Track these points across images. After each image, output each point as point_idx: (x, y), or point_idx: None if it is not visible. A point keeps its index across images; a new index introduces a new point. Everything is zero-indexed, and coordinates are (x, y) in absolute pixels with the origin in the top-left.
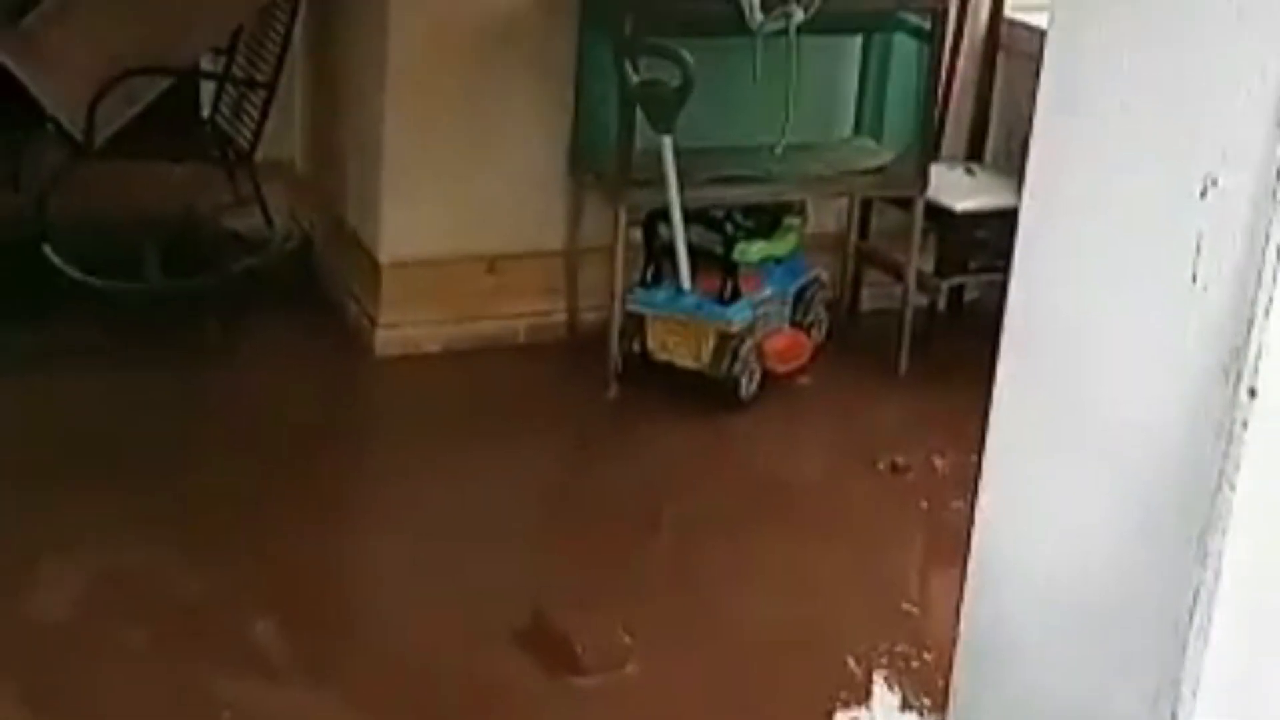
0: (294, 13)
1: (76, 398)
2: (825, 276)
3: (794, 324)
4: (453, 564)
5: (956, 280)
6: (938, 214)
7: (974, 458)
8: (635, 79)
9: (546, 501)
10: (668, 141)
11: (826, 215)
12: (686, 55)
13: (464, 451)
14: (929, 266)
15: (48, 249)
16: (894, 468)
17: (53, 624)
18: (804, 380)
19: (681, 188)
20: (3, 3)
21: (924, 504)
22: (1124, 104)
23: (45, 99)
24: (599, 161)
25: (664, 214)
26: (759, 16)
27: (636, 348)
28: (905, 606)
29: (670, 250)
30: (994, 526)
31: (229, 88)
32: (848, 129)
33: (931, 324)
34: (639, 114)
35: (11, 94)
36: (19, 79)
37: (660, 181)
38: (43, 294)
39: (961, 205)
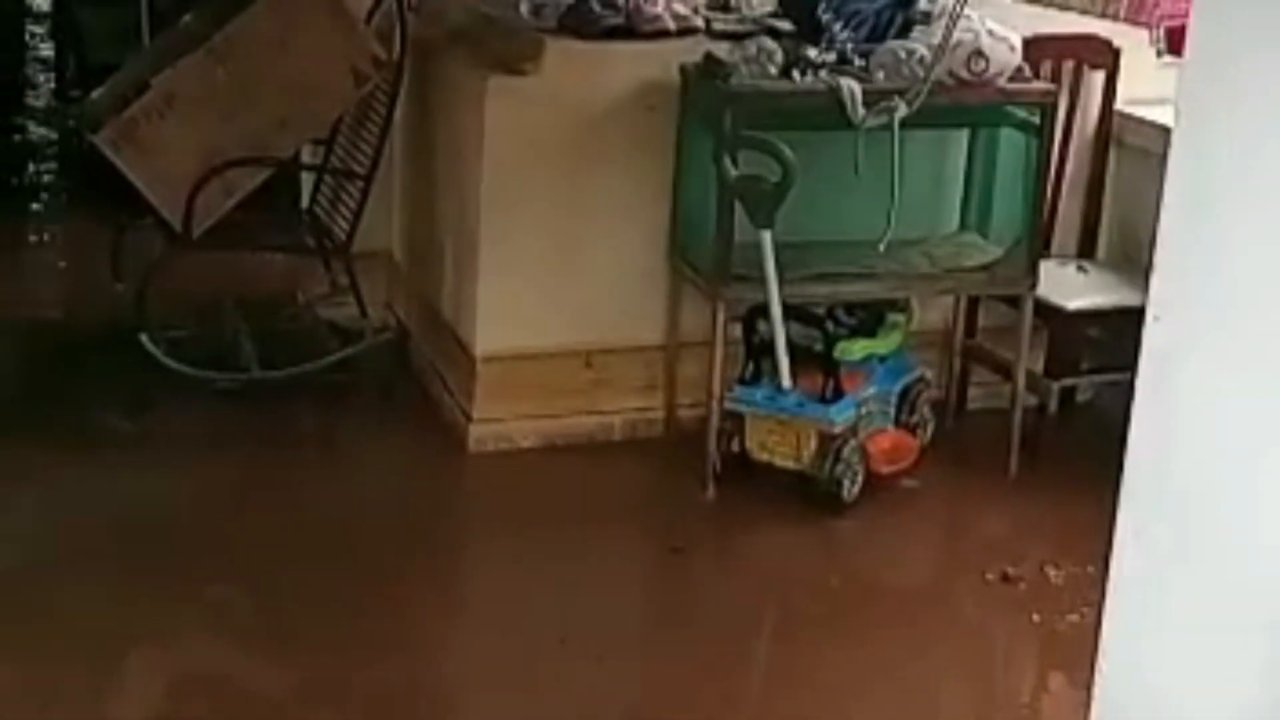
0: (392, 104)
1: (171, 488)
2: (930, 375)
3: (898, 424)
4: (548, 671)
5: (1068, 381)
6: (1048, 312)
7: (1089, 569)
8: (734, 173)
9: (644, 606)
10: (767, 236)
11: (932, 312)
12: (787, 150)
13: (558, 552)
14: (1038, 366)
15: (145, 339)
16: (1005, 578)
17: None
18: (909, 483)
19: (781, 284)
20: (108, 94)
21: (1036, 617)
22: (1262, 201)
23: (145, 189)
24: (698, 256)
25: (764, 310)
26: (861, 111)
27: (735, 447)
28: None
29: (770, 347)
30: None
31: (327, 178)
32: (953, 224)
33: (1041, 426)
34: (738, 208)
35: (113, 184)
36: (120, 169)
37: (760, 277)
38: (140, 384)
39: (1073, 304)
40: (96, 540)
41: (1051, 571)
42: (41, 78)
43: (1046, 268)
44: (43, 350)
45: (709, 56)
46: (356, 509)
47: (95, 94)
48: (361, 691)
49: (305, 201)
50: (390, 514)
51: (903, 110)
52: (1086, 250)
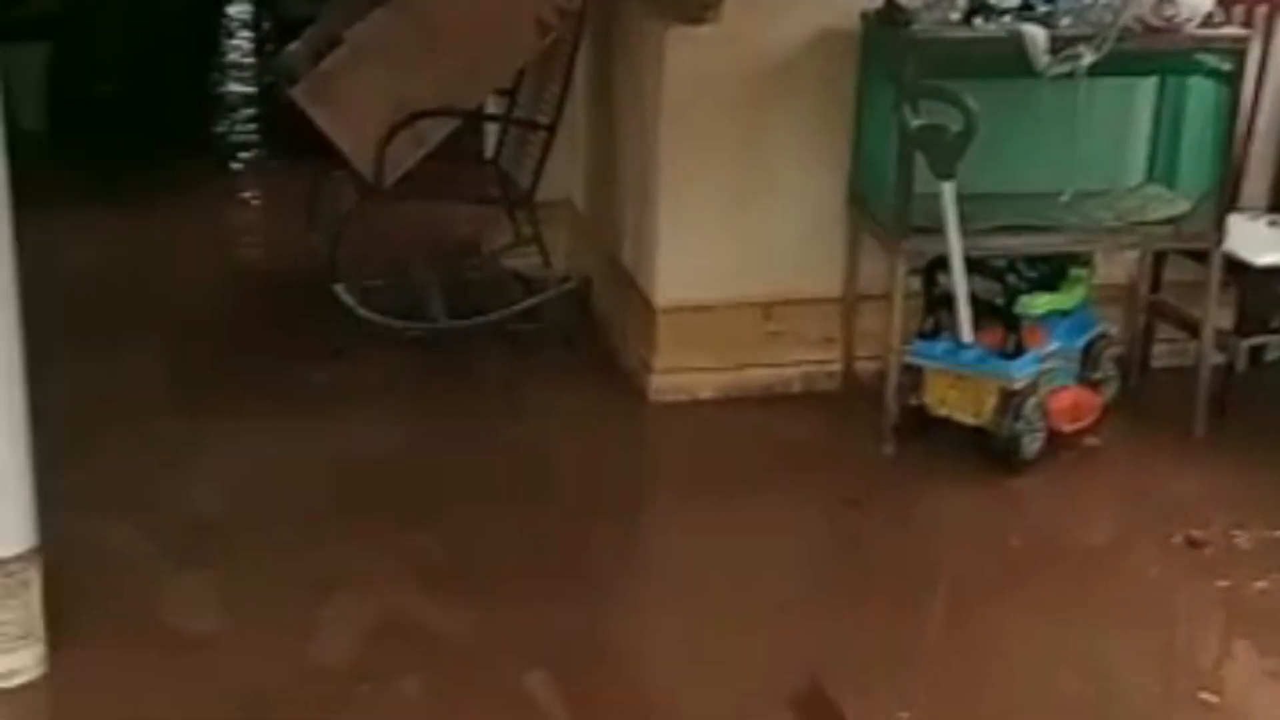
0: (574, 55)
1: (364, 436)
2: (1114, 331)
3: (1081, 381)
4: (725, 623)
5: (1257, 340)
6: (1236, 268)
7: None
8: (915, 123)
9: (820, 561)
10: (948, 188)
11: (1116, 266)
12: (969, 98)
13: (736, 505)
14: (1226, 323)
15: (339, 288)
16: (1190, 541)
17: (331, 668)
18: (1092, 441)
19: (962, 236)
20: (303, 49)
21: (1223, 583)
22: None
23: (339, 141)
24: (877, 207)
25: (944, 262)
26: (1046, 59)
27: (913, 401)
28: (1202, 695)
29: (950, 301)
30: None
31: (511, 129)
32: (1139, 176)
33: (1229, 385)
34: (919, 159)
35: (308, 137)
36: (315, 122)
37: (940, 229)
38: (333, 333)
39: (1263, 259)
40: (295, 487)
41: (1239, 535)
42: (238, 34)
43: (1235, 221)
44: (241, 300)
45: (890, 3)
46: (540, 457)
47: (290, 49)
48: (546, 639)
49: (490, 152)
50: (573, 463)
51: (1089, 57)
52: (1278, 203)
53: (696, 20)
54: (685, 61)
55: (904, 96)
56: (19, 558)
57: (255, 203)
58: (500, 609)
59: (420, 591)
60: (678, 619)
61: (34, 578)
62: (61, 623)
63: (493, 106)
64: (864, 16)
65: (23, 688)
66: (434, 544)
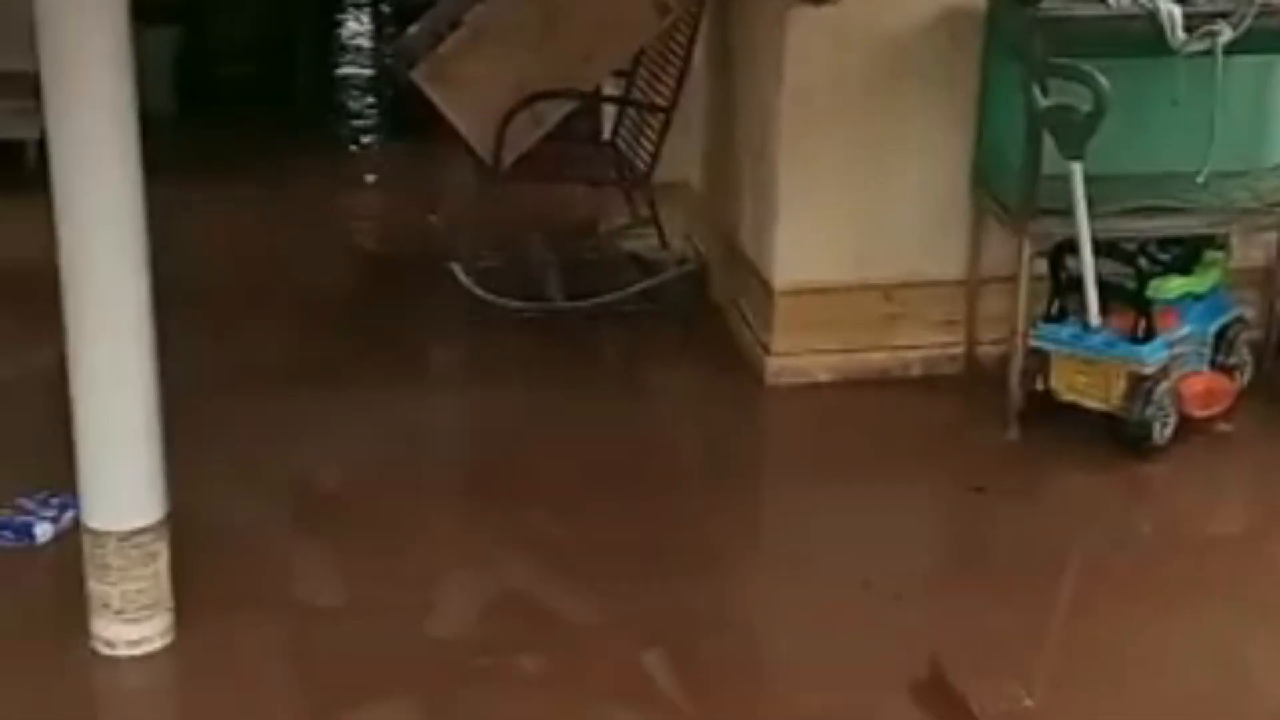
0: (693, 36)
1: (483, 415)
2: (1250, 315)
3: (1214, 366)
4: (845, 606)
5: None
6: None
7: None
8: (1044, 102)
9: (942, 546)
10: (1078, 168)
11: (1254, 248)
12: (1100, 77)
13: (855, 489)
14: None
15: (457, 268)
16: None
17: (451, 642)
18: (1225, 427)
19: (1092, 217)
20: (423, 31)
21: None
22: None
23: (458, 122)
24: (1003, 188)
25: (1072, 245)
26: (1181, 35)
27: (1039, 386)
28: None
29: (1078, 284)
30: None
31: (629, 110)
32: (1278, 156)
33: None
34: (1047, 139)
35: (427, 118)
36: (435, 103)
37: (1068, 210)
38: (452, 312)
39: None
40: (414, 463)
41: None
42: (359, 16)
43: None
44: (361, 278)
45: None
46: (657, 438)
47: (411, 31)
48: (664, 618)
49: (607, 133)
50: (690, 445)
51: (1227, 34)
52: None
53: (818, 0)
54: (806, 41)
55: (1032, 76)
56: (148, 528)
57: (375, 183)
58: (618, 587)
59: (539, 569)
60: (797, 600)
61: (162, 548)
62: (187, 593)
63: (610, 87)
64: None
65: (151, 656)
66: (552, 522)
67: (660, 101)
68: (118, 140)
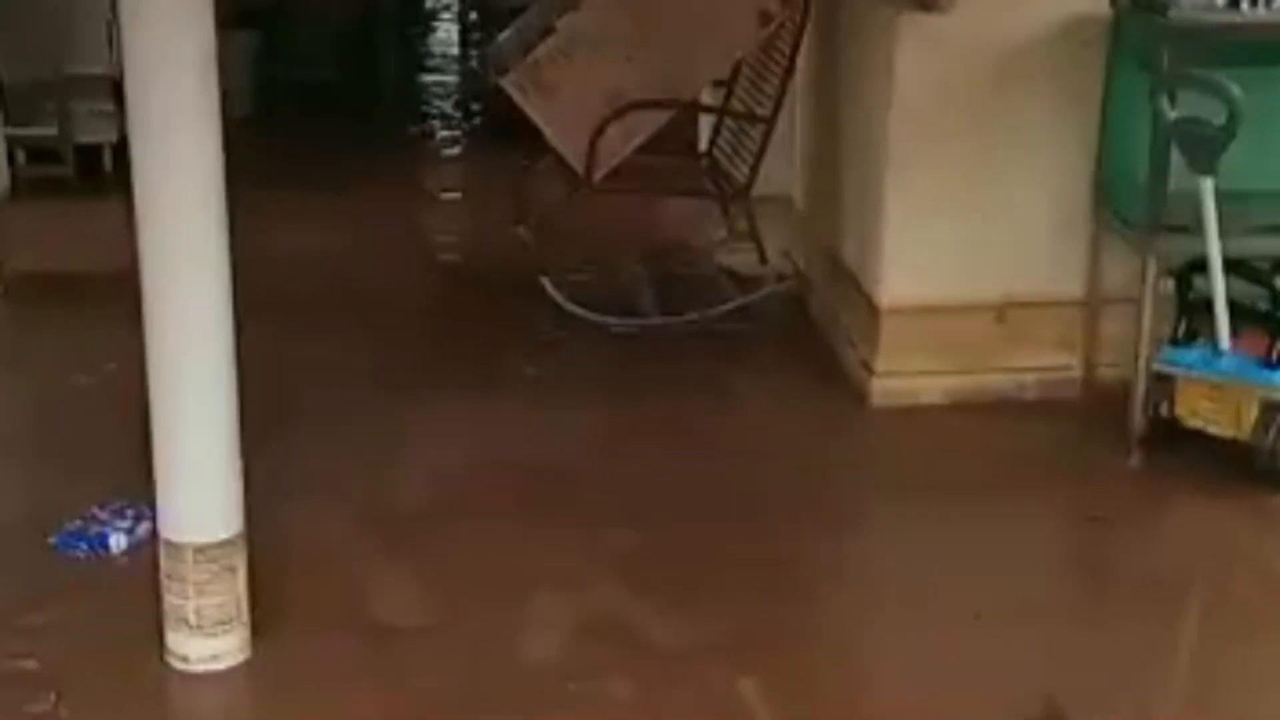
0: (797, 44)
1: (572, 432)
2: None
3: None
4: (953, 637)
5: None
6: None
7: None
8: (1173, 115)
9: (1058, 577)
10: (1208, 185)
11: None
12: (1234, 89)
13: (965, 516)
14: None
15: (546, 281)
16: None
17: (539, 665)
18: None
19: (1222, 235)
20: (514, 38)
21: None
22: None
23: (550, 131)
24: (1126, 205)
25: (1200, 264)
26: None
27: (1163, 412)
28: None
29: (1207, 305)
30: None
31: (728, 121)
32: None
33: None
34: (1175, 153)
35: (515, 127)
36: (526, 112)
37: (1196, 228)
38: (540, 326)
39: None
40: (500, 480)
41: None
42: (443, 23)
43: None
44: (445, 289)
45: None
46: (753, 459)
47: (501, 38)
48: (759, 645)
49: (703, 145)
50: (788, 467)
51: None
52: None
53: (931, 6)
54: (918, 50)
55: (1161, 87)
56: (226, 542)
57: (460, 192)
58: (712, 612)
59: (629, 591)
60: (903, 631)
61: (240, 563)
62: (265, 608)
63: (707, 97)
64: (1115, 2)
65: (228, 671)
66: (643, 544)
67: (761, 112)
68: (201, 145)
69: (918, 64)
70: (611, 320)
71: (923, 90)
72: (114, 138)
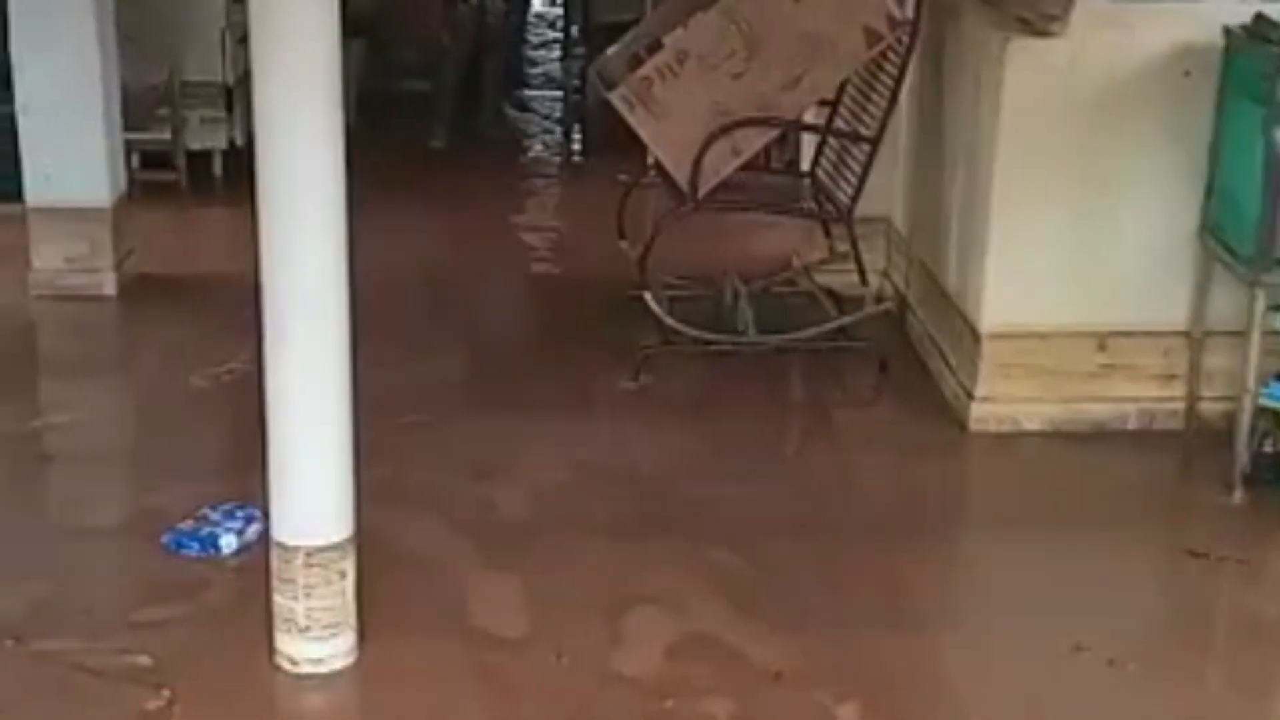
0: (904, 66)
1: (670, 448)
2: None
3: None
4: (1053, 670)
5: None
6: None
7: None
8: None
9: (1157, 612)
10: None
11: None
12: None
13: (1063, 546)
14: None
15: (648, 296)
16: None
17: (636, 680)
18: None
19: None
20: (622, 52)
21: None
22: None
23: (655, 147)
24: (1236, 236)
25: None
26: None
27: (1268, 447)
28: None
29: None
30: None
31: (831, 141)
32: None
33: None
34: None
35: (617, 141)
36: (632, 126)
37: None
38: (639, 340)
39: None
40: (598, 495)
41: None
42: (545, 37)
43: None
44: (545, 303)
45: (1260, 17)
46: (849, 481)
47: (608, 53)
48: (858, 674)
49: (807, 164)
50: (886, 491)
51: None
52: None
53: (1041, 32)
54: (1026, 75)
55: (1274, 119)
56: (337, 545)
57: (561, 206)
58: (809, 635)
59: (726, 611)
60: (1001, 660)
61: (349, 567)
62: (370, 614)
63: (811, 116)
64: (1228, 31)
65: (334, 674)
66: (741, 564)
67: (865, 132)
68: (325, 153)
69: (1026, 88)
70: (711, 337)
71: (1031, 115)
72: (224, 144)
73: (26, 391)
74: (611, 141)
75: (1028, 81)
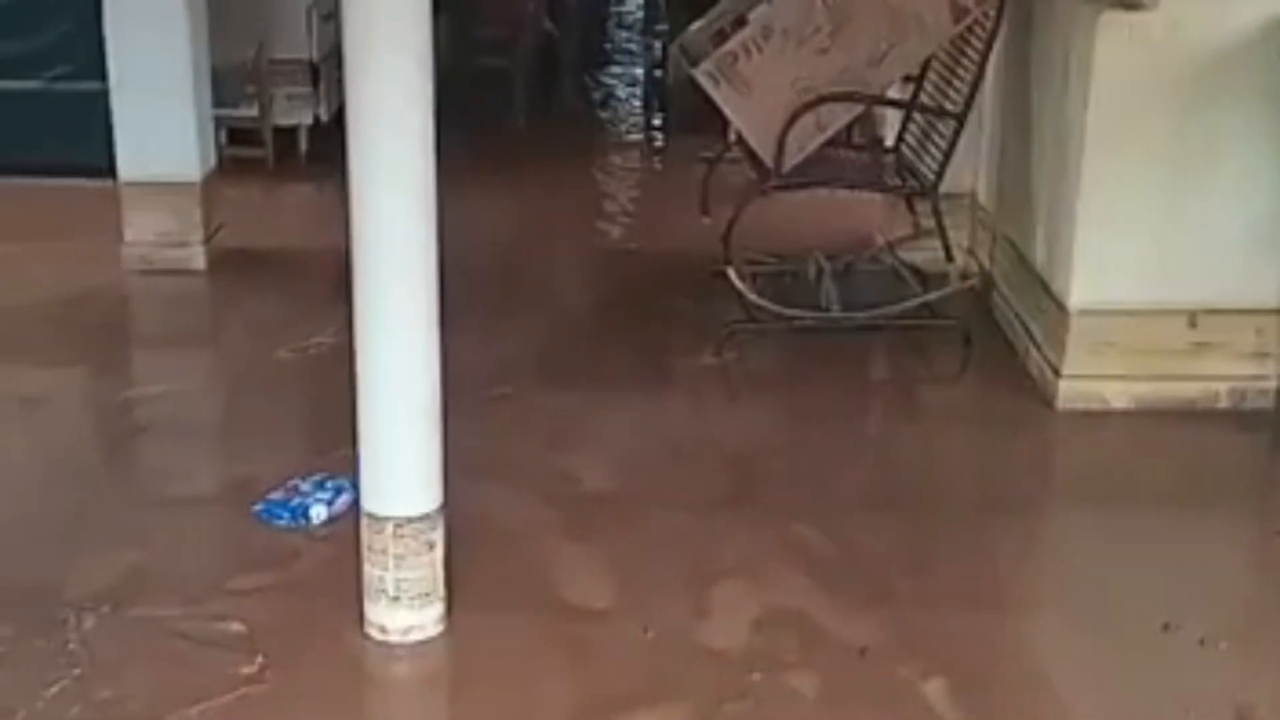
0: (990, 41)
1: (753, 423)
2: None
3: None
4: (1142, 650)
5: None
6: None
7: None
8: None
9: (1248, 593)
10: None
11: None
12: None
13: (1152, 525)
14: None
15: (730, 271)
16: None
17: (722, 653)
18: None
19: None
20: (706, 28)
21: None
22: None
23: (740, 122)
24: None
25: None
26: None
27: None
28: None
29: None
30: None
31: (916, 116)
32: None
33: None
34: None
35: (700, 117)
36: (716, 102)
37: None
38: (721, 315)
39: None
40: (680, 469)
41: None
42: (629, 12)
43: None
44: (628, 277)
45: None
46: (933, 458)
47: (693, 28)
48: (945, 652)
49: (891, 140)
50: (969, 467)
51: None
52: None
53: (1133, 5)
54: (1117, 49)
55: None
56: (426, 516)
57: (641, 181)
58: (894, 612)
59: (811, 586)
60: (1089, 640)
61: (438, 538)
62: (458, 585)
63: (895, 92)
64: None
65: (423, 643)
66: (822, 539)
67: (950, 108)
68: (416, 126)
69: (1118, 62)
70: (795, 312)
71: (1121, 90)
72: (310, 120)
73: (120, 363)
74: (693, 118)
75: (1119, 55)
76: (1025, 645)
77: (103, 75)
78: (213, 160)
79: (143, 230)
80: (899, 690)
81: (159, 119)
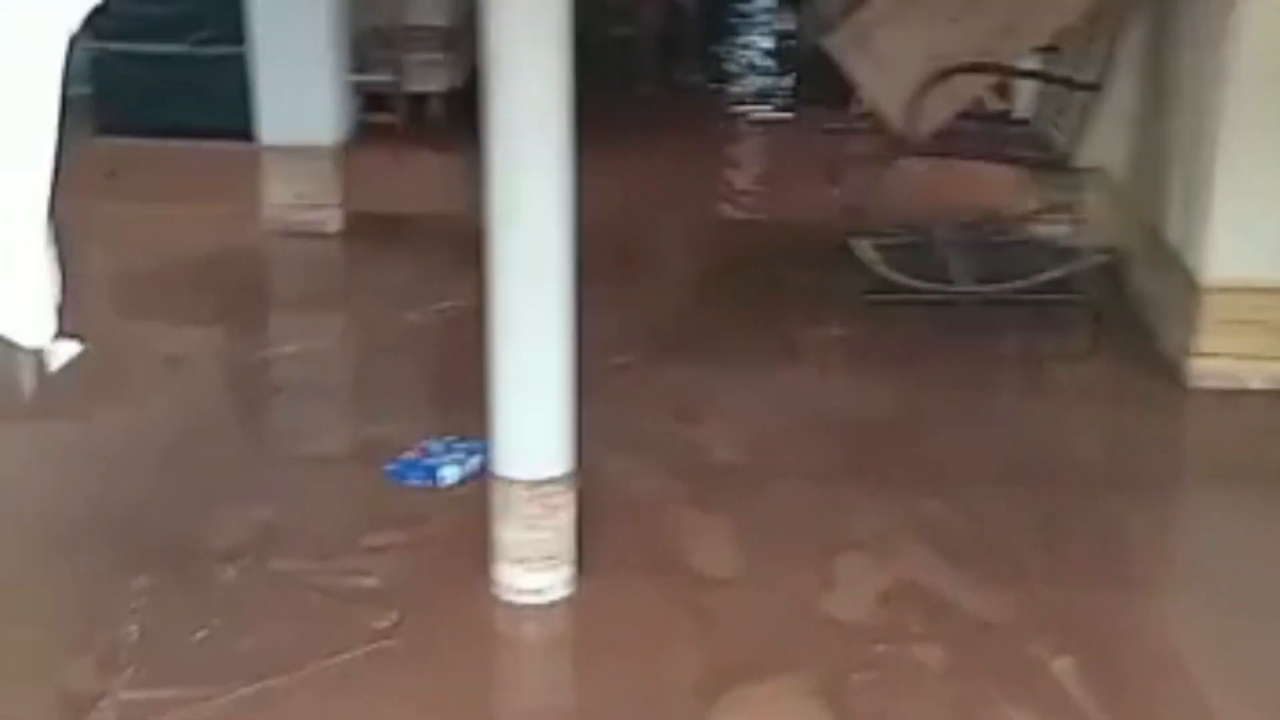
0: (1127, 12)
1: (879, 396)
2: None
3: None
4: (1269, 638)
5: None
6: None
7: None
8: None
9: None
10: None
11: None
12: None
13: None
14: None
15: (859, 243)
16: None
17: (848, 624)
18: None
19: None
20: (836, 1)
21: None
22: None
23: (871, 93)
24: None
25: None
26: None
27: None
28: None
29: None
30: None
31: (1050, 88)
32: None
33: None
34: None
35: (830, 87)
36: (848, 73)
37: None
38: (850, 289)
39: None
40: (807, 441)
41: None
42: None
43: None
44: (755, 248)
45: None
46: (1062, 434)
47: None
48: (1075, 630)
49: (1023, 112)
50: (1100, 444)
51: None
52: None
53: None
54: (1259, 20)
55: None
56: (556, 480)
57: (768, 152)
58: (1023, 588)
59: (937, 560)
60: (1223, 623)
61: (568, 502)
62: (586, 549)
63: (1029, 63)
64: None
65: (552, 605)
66: (949, 514)
67: (1085, 79)
68: (552, 90)
69: (1259, 33)
70: (923, 285)
71: (1263, 61)
72: (443, 87)
73: (257, 324)
74: (820, 88)
75: (1260, 26)
76: (1156, 625)
77: (244, 39)
78: (349, 125)
79: (281, 193)
80: (1027, 667)
81: (298, 83)
